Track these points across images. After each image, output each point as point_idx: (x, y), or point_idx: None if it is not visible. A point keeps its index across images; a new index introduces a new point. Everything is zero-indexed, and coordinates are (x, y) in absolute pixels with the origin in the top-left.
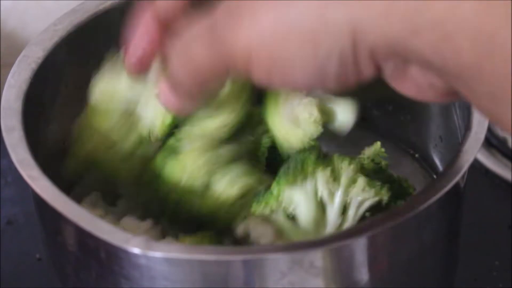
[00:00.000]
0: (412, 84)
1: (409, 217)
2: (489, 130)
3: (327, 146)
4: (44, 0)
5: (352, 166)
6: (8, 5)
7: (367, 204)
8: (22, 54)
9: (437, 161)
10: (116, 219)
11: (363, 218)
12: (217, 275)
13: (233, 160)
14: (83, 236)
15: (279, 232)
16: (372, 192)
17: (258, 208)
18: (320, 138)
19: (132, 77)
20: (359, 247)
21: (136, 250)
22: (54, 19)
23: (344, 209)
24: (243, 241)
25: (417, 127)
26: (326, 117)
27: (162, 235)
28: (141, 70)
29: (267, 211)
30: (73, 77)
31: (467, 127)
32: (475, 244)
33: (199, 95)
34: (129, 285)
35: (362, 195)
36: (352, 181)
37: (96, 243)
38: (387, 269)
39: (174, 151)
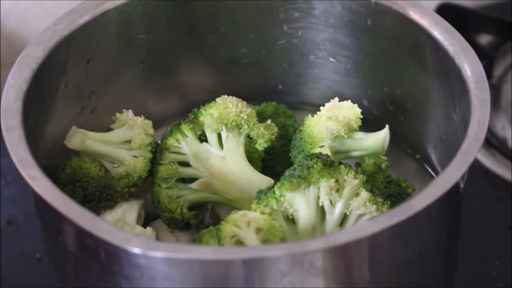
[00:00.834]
0: None
1: (409, 217)
2: (489, 130)
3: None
4: (44, 0)
5: (357, 181)
6: (8, 5)
7: (366, 218)
8: (22, 54)
9: (437, 161)
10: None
11: None
12: (217, 275)
13: None
14: (83, 236)
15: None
16: (373, 208)
17: (259, 207)
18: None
19: None
20: (359, 247)
21: (136, 250)
22: (54, 19)
23: (343, 220)
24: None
25: (417, 127)
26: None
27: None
28: None
29: (267, 210)
30: (73, 77)
31: (467, 127)
32: (475, 244)
33: None
34: (129, 285)
35: (362, 209)
36: (355, 194)
37: (96, 243)
38: (387, 269)
39: None
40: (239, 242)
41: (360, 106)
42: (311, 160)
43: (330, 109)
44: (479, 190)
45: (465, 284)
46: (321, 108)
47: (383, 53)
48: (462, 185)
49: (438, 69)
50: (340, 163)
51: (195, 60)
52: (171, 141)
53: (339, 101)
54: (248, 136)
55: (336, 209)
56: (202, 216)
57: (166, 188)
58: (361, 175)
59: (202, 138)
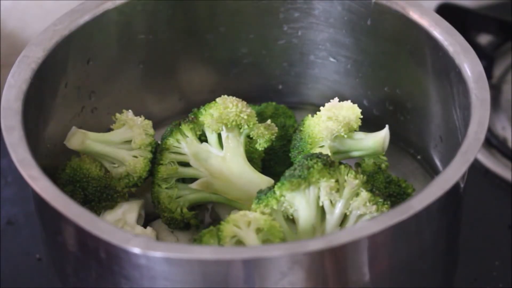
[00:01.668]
0: None
1: (409, 217)
2: (489, 130)
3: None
4: (44, 0)
5: (357, 181)
6: (8, 5)
7: (366, 218)
8: (22, 54)
9: (437, 161)
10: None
11: None
12: (217, 275)
13: None
14: (83, 236)
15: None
16: (373, 208)
17: (259, 207)
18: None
19: None
20: (359, 247)
21: (136, 250)
22: (54, 19)
23: (343, 220)
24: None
25: (417, 127)
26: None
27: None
28: None
29: (267, 210)
30: (73, 77)
31: (467, 127)
32: (475, 244)
33: None
34: (129, 285)
35: (362, 210)
36: (355, 195)
37: (96, 243)
38: (387, 269)
39: None
40: (239, 242)
41: (360, 106)
42: (311, 160)
43: (330, 109)
44: (479, 190)
45: (465, 284)
46: (321, 108)
47: (383, 53)
48: (462, 185)
49: (438, 69)
50: (340, 163)
51: (195, 60)
52: (171, 141)
53: (339, 101)
54: (248, 136)
55: (336, 209)
56: (202, 216)
57: (166, 188)
58: (361, 175)
59: (202, 138)
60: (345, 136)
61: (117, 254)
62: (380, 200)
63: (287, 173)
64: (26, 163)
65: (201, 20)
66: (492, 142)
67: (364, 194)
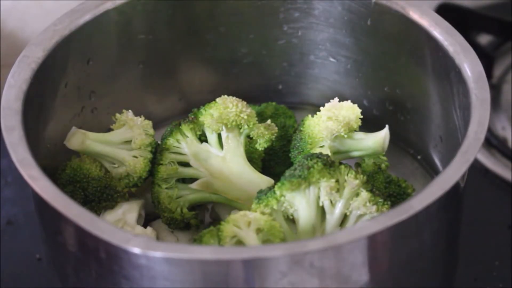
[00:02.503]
0: None
1: (409, 217)
2: (489, 130)
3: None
4: (44, 0)
5: (357, 181)
6: (8, 5)
7: (366, 218)
8: (22, 54)
9: (437, 161)
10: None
11: None
12: (217, 275)
13: None
14: (83, 236)
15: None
16: (373, 208)
17: (259, 207)
18: None
19: None
20: (359, 247)
21: (136, 250)
22: (54, 19)
23: (343, 220)
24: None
25: (417, 127)
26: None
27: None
28: None
29: (267, 210)
30: (73, 77)
31: (467, 127)
32: (475, 244)
33: None
34: (129, 285)
35: (362, 210)
36: (355, 195)
37: (96, 243)
38: (387, 269)
39: None
40: (240, 242)
41: (360, 106)
42: (311, 160)
43: (330, 109)
44: (479, 190)
45: (465, 284)
46: (321, 108)
47: (383, 53)
48: (462, 185)
49: (438, 69)
50: (340, 163)
51: (195, 60)
52: (171, 141)
53: (339, 101)
54: (248, 136)
55: (336, 209)
56: (202, 216)
57: (166, 188)
58: (362, 175)
59: (202, 138)
60: (345, 136)
61: (117, 254)
62: (380, 200)
63: (287, 173)
64: (26, 163)
65: (201, 20)
66: (492, 142)
67: (364, 194)
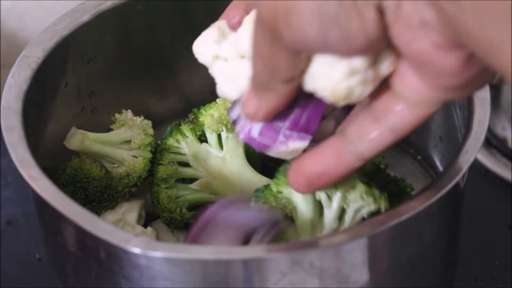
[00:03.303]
0: (406, 28)
1: (409, 217)
2: (489, 130)
3: None
4: (44, 0)
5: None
6: (8, 5)
7: (364, 211)
8: (22, 54)
9: (437, 161)
10: None
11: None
12: (217, 275)
13: None
14: (83, 236)
15: None
16: (370, 200)
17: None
18: None
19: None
20: (359, 247)
21: (136, 250)
22: (54, 19)
23: (341, 214)
24: None
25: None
26: None
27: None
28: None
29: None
30: (73, 77)
31: (467, 127)
32: (475, 244)
33: (274, 85)
34: (129, 285)
35: (359, 202)
36: (351, 187)
37: (96, 243)
38: (387, 269)
39: None
40: None
41: None
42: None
43: None
44: (479, 190)
45: (465, 284)
46: None
47: None
48: (462, 185)
49: None
50: None
51: (195, 60)
52: (171, 141)
53: None
54: None
55: (334, 203)
56: None
57: (166, 188)
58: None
59: (202, 139)
60: None
61: (117, 254)
62: (376, 191)
63: (281, 168)
64: (26, 163)
65: (201, 20)
66: (492, 142)
67: (361, 187)
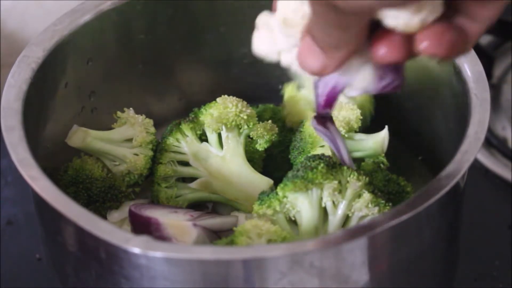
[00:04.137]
0: None
1: (409, 217)
2: (489, 130)
3: None
4: (44, 0)
5: (360, 183)
6: (8, 5)
7: (368, 219)
8: (22, 54)
9: (437, 161)
10: None
11: None
12: (217, 275)
13: None
14: (83, 236)
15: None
16: (375, 209)
17: (261, 208)
18: None
19: None
20: (359, 247)
21: (136, 250)
22: (54, 19)
23: (345, 221)
24: None
25: (417, 127)
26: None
27: None
28: None
29: (269, 212)
30: (73, 77)
31: (467, 127)
32: (475, 244)
33: (344, 43)
34: (129, 285)
35: (364, 211)
36: (357, 196)
37: (96, 243)
38: (387, 269)
39: None
40: None
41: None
42: (314, 161)
43: None
44: (479, 190)
45: (465, 284)
46: None
47: None
48: (462, 185)
49: (438, 69)
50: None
51: (195, 60)
52: (171, 140)
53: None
54: (248, 136)
55: (339, 210)
56: None
57: (166, 187)
58: (364, 177)
59: (202, 138)
60: (346, 135)
61: (117, 254)
62: (382, 201)
63: (290, 174)
64: (26, 163)
65: (201, 20)
66: (492, 142)
67: (367, 196)
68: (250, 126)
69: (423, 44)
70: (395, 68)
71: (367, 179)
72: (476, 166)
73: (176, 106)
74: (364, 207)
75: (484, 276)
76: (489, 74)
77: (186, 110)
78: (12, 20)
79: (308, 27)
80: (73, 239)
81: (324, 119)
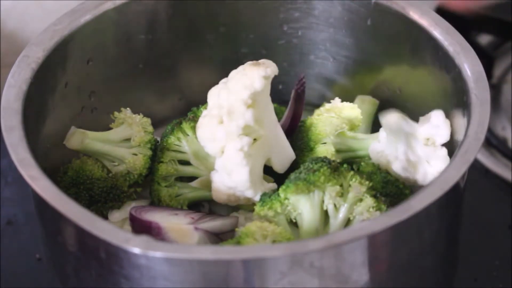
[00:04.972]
0: None
1: (409, 217)
2: (489, 130)
3: None
4: (44, 0)
5: (362, 187)
6: (8, 5)
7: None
8: (22, 54)
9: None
10: None
11: None
12: (217, 275)
13: None
14: (83, 236)
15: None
16: (376, 214)
17: (262, 210)
18: None
19: None
20: (359, 247)
21: (136, 250)
22: (54, 19)
23: (346, 224)
24: None
25: None
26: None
27: None
28: None
29: (270, 213)
30: (73, 77)
31: (467, 127)
32: (475, 244)
33: None
34: (129, 285)
35: (366, 215)
36: (359, 200)
37: (96, 243)
38: (387, 269)
39: None
40: None
41: None
42: (316, 164)
43: (331, 109)
44: (479, 190)
45: (465, 284)
46: (321, 108)
47: (383, 53)
48: (462, 185)
49: (438, 69)
50: (343, 166)
51: (195, 60)
52: (172, 139)
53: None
54: None
55: (340, 213)
56: None
57: (166, 186)
58: (367, 181)
59: None
60: (348, 133)
61: (117, 254)
62: (383, 206)
63: (292, 176)
64: (26, 163)
65: (201, 20)
66: (492, 142)
67: (368, 200)
68: None
69: None
70: None
71: (370, 183)
72: (476, 166)
73: (176, 106)
74: (365, 211)
75: (484, 276)
76: (489, 74)
77: (186, 110)
78: (12, 20)
79: None
80: (73, 239)
81: None
